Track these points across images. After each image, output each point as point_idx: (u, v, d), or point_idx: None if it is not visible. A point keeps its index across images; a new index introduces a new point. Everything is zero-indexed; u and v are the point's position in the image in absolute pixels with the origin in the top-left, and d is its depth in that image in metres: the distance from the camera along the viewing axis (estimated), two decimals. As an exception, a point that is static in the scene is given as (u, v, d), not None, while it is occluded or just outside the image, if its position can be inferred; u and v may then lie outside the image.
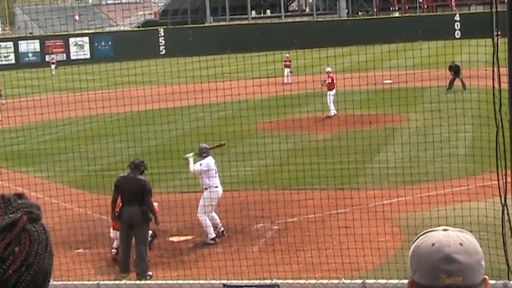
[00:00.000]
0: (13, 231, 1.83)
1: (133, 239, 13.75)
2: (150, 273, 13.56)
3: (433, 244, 2.18)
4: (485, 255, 2.21)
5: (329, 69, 30.77)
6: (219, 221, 15.45)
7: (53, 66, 59.01)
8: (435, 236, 2.21)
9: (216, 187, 15.30)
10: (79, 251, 15.15)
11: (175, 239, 15.66)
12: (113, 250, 14.52)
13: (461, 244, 2.17)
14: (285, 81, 40.12)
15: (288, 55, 42.48)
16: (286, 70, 42.85)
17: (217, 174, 15.46)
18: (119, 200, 13.82)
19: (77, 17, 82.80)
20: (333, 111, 29.96)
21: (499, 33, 8.77)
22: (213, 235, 15.18)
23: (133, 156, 20.63)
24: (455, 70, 35.86)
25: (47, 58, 69.31)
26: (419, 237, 2.27)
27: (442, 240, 2.18)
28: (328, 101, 30.36)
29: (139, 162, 14.00)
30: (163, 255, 14.31)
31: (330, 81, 30.29)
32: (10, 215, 1.85)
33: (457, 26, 75.39)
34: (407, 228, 13.40)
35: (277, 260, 13.24)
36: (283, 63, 43.43)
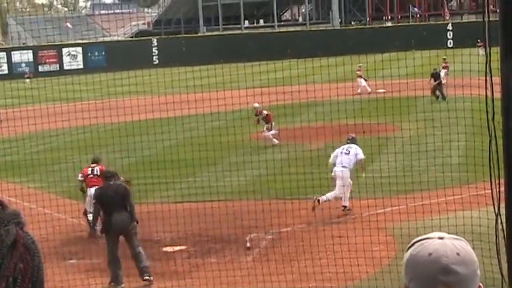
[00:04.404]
0: (16, 248, 1.76)
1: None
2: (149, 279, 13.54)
3: (430, 254, 2.16)
4: (480, 264, 2.21)
5: (256, 104, 27.32)
6: None
7: (27, 80, 57.96)
8: (431, 244, 2.19)
9: None
10: (72, 261, 15.09)
11: (169, 249, 15.61)
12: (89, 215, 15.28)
13: (458, 254, 2.16)
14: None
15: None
16: None
17: None
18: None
19: (69, 25, 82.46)
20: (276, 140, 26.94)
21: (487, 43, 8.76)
22: None
23: (126, 166, 20.67)
24: (436, 77, 36.06)
25: (27, 70, 68.02)
26: (414, 244, 2.24)
27: (439, 250, 2.16)
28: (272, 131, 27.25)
29: (114, 171, 14.12)
30: (156, 266, 14.25)
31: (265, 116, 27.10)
32: (5, 228, 1.76)
33: (450, 35, 75.69)
34: (401, 238, 13.40)
35: (271, 269, 13.21)
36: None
